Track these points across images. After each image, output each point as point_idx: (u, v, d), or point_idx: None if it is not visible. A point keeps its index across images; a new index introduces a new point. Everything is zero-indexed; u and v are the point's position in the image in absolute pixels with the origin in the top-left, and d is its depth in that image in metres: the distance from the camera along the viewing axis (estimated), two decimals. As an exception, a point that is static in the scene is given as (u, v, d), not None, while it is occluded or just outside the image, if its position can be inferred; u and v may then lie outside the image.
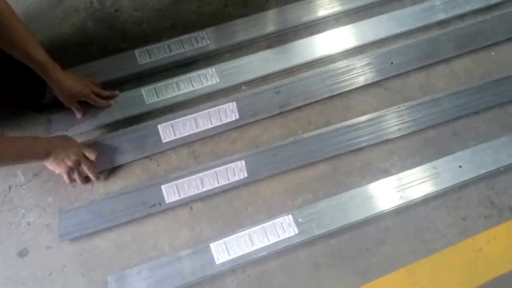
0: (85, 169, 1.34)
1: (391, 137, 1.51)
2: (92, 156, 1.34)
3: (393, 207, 1.40)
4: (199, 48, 1.63)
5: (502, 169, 1.47)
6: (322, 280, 1.32)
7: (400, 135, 1.51)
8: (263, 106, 1.53)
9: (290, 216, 1.35)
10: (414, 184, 1.43)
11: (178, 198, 1.37)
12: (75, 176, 1.35)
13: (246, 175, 1.41)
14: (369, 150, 1.50)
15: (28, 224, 1.37)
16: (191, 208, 1.41)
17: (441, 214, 1.43)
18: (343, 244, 1.37)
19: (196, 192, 1.38)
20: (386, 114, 1.54)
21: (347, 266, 1.35)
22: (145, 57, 1.59)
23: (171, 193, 1.38)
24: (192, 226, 1.38)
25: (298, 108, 1.57)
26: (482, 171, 1.47)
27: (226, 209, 1.40)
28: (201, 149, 1.49)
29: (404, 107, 1.55)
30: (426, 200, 1.44)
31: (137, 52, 1.60)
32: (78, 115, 1.45)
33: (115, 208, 1.36)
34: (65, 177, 1.34)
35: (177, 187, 1.38)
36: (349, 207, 1.39)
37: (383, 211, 1.40)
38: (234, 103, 1.51)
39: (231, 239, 1.32)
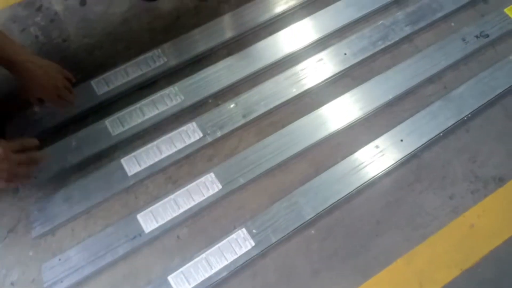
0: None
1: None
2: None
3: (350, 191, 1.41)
4: (158, 67, 1.57)
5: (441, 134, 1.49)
6: (323, 284, 1.30)
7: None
8: (226, 119, 1.47)
9: (243, 229, 1.31)
10: (362, 166, 1.45)
11: (157, 225, 1.32)
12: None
13: (220, 186, 1.36)
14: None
15: (12, 284, 1.31)
16: (178, 236, 1.35)
17: (429, 196, 1.42)
18: (338, 244, 1.34)
19: (174, 215, 1.33)
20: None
21: (345, 266, 1.32)
22: (103, 86, 1.52)
23: (148, 221, 1.33)
24: (183, 255, 1.33)
25: (270, 112, 1.52)
26: (424, 140, 1.48)
27: (213, 229, 1.36)
28: (178, 173, 1.44)
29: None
30: (411, 185, 1.42)
31: (93, 82, 1.53)
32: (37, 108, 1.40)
33: (98, 248, 1.31)
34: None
35: (153, 214, 1.34)
36: (301, 205, 1.38)
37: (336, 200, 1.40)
38: (194, 123, 1.46)
39: (188, 267, 1.28)
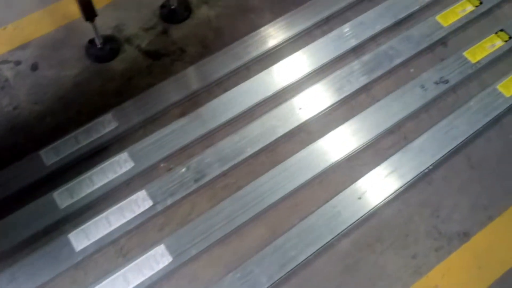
0: None
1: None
2: None
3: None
4: (109, 133, 1.53)
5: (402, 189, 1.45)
6: None
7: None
8: (177, 185, 1.42)
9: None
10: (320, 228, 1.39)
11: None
12: None
13: (170, 259, 1.30)
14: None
15: None
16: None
17: (390, 257, 1.36)
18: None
19: (125, 293, 1.27)
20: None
21: None
22: (52, 156, 1.48)
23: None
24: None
25: (225, 174, 1.47)
26: (382, 197, 1.43)
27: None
28: (129, 245, 1.39)
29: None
30: (371, 246, 1.35)
31: (42, 152, 1.48)
32: None
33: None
34: None
35: (102, 293, 1.27)
36: (256, 275, 1.34)
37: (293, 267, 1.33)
38: (144, 190, 1.41)
39: None
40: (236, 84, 1.63)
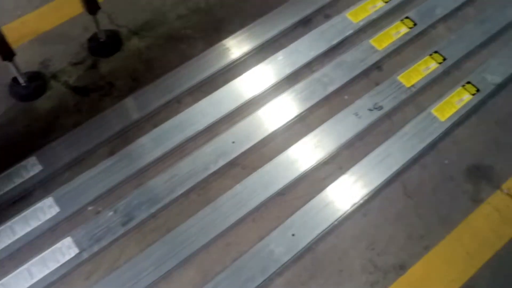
0: None
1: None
2: None
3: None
4: (32, 177, 1.46)
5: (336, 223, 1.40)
6: None
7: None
8: (104, 230, 1.35)
9: None
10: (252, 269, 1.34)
11: None
12: None
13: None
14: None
15: None
16: None
17: (324, 296, 1.30)
18: None
19: None
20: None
21: None
22: (-29, 206, 1.39)
23: None
24: None
25: (154, 215, 1.41)
26: (316, 232, 1.38)
27: None
28: (52, 298, 1.30)
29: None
30: (305, 284, 1.33)
31: (-41, 203, 1.39)
32: None
33: None
34: None
35: None
36: None
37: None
38: (69, 237, 1.34)
39: None
40: (166, 118, 1.57)
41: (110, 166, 1.49)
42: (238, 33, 1.75)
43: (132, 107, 1.59)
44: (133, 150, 1.51)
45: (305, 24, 1.79)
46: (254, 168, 1.48)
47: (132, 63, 1.69)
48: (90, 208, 1.45)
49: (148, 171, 1.49)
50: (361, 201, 1.44)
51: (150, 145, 1.52)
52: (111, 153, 1.52)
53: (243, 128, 1.55)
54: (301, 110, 1.59)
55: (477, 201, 1.46)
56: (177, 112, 1.59)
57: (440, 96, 1.61)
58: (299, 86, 1.63)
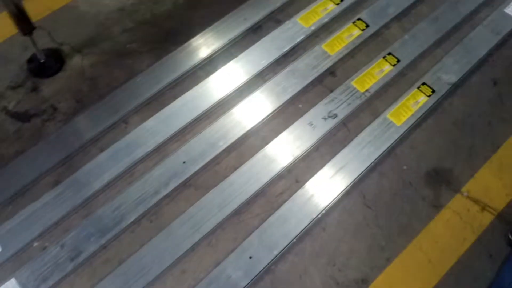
0: None
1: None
2: None
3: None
4: (-29, 216, 1.35)
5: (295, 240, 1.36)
6: None
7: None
8: (52, 267, 1.28)
9: None
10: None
11: None
12: None
13: None
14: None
15: None
16: None
17: (286, 318, 1.25)
18: None
19: None
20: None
21: None
22: None
23: None
24: None
25: (104, 247, 1.33)
26: (275, 252, 1.33)
27: None
28: None
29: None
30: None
31: None
32: None
33: None
34: None
35: None
36: None
37: None
38: (13, 279, 1.26)
39: None
40: (113, 140, 1.50)
41: (55, 197, 1.41)
42: (186, 44, 1.67)
43: (76, 131, 1.51)
44: (79, 178, 1.43)
45: (256, 31, 1.72)
46: (208, 188, 1.42)
47: (76, 83, 1.61)
48: (35, 244, 1.37)
49: (96, 199, 1.42)
50: (320, 215, 1.39)
51: (97, 171, 1.44)
52: (56, 182, 1.43)
53: (194, 146, 1.48)
54: (255, 123, 1.52)
55: (437, 206, 1.43)
56: (124, 133, 1.51)
57: (395, 99, 1.57)
58: (252, 97, 1.57)
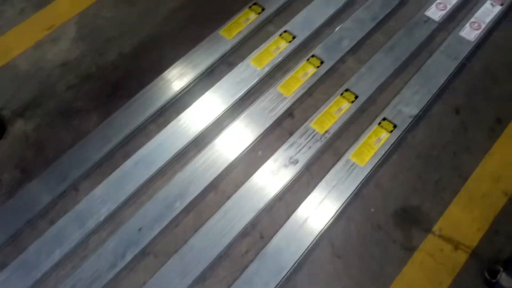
0: None
1: None
2: None
3: None
4: None
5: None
6: None
7: None
8: None
9: None
10: None
11: None
12: None
13: None
14: None
15: None
16: None
17: None
18: None
19: None
20: None
21: None
22: None
23: None
24: None
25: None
26: None
27: None
28: None
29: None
30: None
31: None
32: None
33: None
34: None
35: None
36: None
37: None
38: None
39: None
40: (64, 211, 1.41)
41: (1, 284, 1.29)
42: (135, 97, 1.58)
43: (22, 204, 1.41)
44: (27, 258, 1.34)
45: (208, 76, 1.65)
46: (168, 255, 1.34)
47: (19, 151, 1.50)
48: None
49: (47, 280, 1.32)
50: (288, 273, 1.30)
51: (47, 249, 1.35)
52: (3, 265, 1.33)
53: (150, 209, 1.40)
54: (213, 176, 1.44)
55: (409, 249, 1.37)
56: (75, 202, 1.42)
57: (357, 137, 1.51)
58: (209, 148, 1.50)
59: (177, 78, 1.62)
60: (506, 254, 1.36)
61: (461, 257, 1.37)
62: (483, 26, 1.72)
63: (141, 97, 1.59)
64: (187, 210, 1.41)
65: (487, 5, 1.78)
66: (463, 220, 1.41)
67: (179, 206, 1.40)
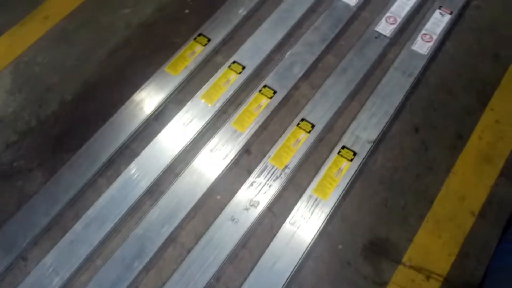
0: None
1: None
2: None
3: None
4: None
5: None
6: None
7: None
8: None
9: None
10: None
11: None
12: None
13: None
14: None
15: None
16: None
17: None
18: None
19: None
20: None
21: None
22: None
23: None
24: None
25: None
26: None
27: None
28: None
29: None
30: None
31: None
32: None
33: None
34: None
35: None
36: None
37: None
38: None
39: None
40: (12, 285, 1.28)
41: None
42: (80, 150, 1.48)
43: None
44: None
45: (157, 117, 1.55)
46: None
47: (-43, 224, 1.38)
48: None
49: None
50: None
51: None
52: None
53: (106, 274, 1.33)
54: (171, 229, 1.36)
55: (380, 284, 1.33)
56: (24, 273, 1.32)
57: (317, 170, 1.45)
58: (164, 198, 1.42)
59: (124, 124, 1.53)
60: (477, 278, 1.33)
61: (434, 286, 1.33)
62: (434, 37, 1.68)
63: (86, 149, 1.50)
64: (146, 269, 1.34)
65: (436, 14, 1.74)
66: (433, 246, 1.38)
67: (138, 266, 1.32)
